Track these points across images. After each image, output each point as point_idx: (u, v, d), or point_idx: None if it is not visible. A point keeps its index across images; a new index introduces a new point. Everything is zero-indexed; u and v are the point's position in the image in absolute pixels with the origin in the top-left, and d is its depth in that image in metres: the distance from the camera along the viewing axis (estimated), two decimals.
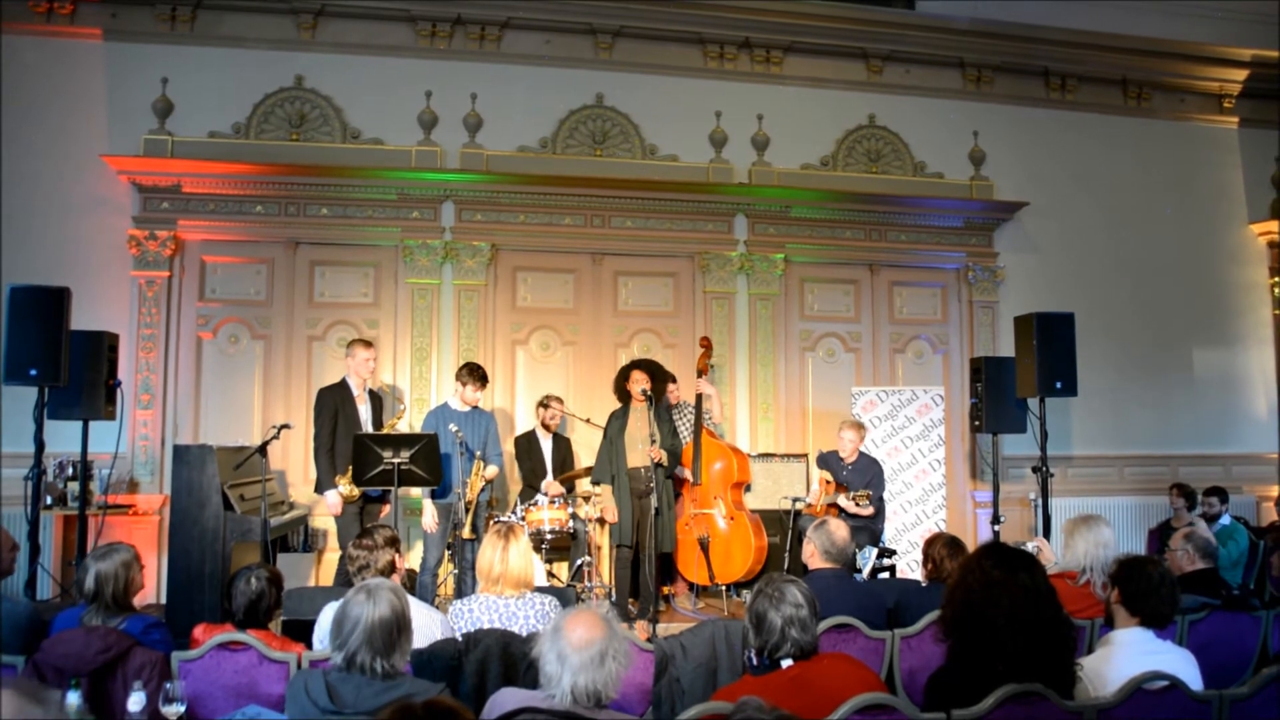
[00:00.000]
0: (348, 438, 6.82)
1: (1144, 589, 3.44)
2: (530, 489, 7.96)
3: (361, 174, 8.63)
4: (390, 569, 4.15)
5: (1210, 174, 11.00)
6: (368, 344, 7.35)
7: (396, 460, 6.34)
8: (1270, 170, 11.16)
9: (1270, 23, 11.06)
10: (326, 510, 7.17)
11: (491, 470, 7.23)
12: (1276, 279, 11.05)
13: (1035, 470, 8.23)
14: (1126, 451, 10.34)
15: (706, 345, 8.33)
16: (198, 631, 3.95)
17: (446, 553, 7.30)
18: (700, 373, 8.15)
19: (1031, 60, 10.34)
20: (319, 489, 7.03)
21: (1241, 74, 10.92)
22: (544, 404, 8.18)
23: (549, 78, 9.24)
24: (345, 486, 6.83)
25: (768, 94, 9.70)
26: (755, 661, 3.05)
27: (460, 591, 6.98)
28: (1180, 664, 3.35)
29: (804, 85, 9.84)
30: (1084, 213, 10.40)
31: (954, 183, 10.03)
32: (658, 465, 7.06)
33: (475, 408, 7.39)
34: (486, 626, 3.96)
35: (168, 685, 3.23)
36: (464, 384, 7.25)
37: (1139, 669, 3.11)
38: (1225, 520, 8.28)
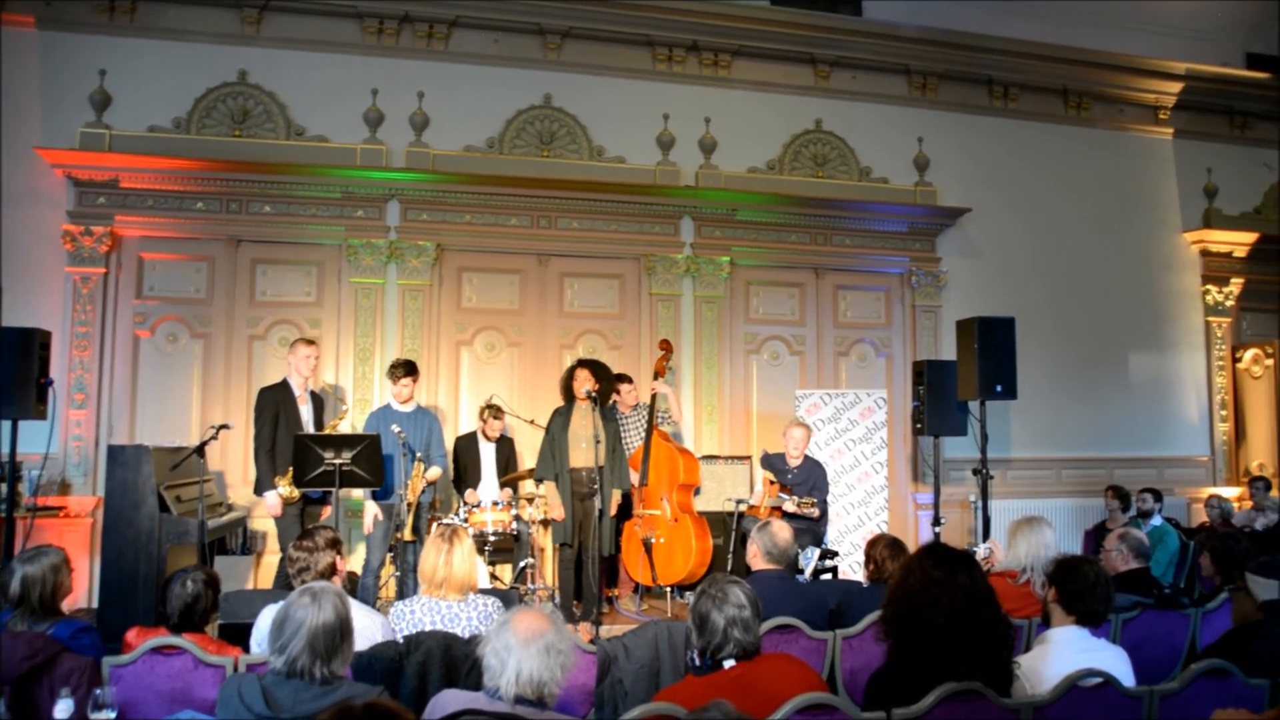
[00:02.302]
0: (288, 438, 6.70)
1: (1080, 588, 3.51)
2: (463, 489, 7.90)
3: (305, 171, 8.51)
4: (331, 571, 4.09)
5: (1146, 183, 11.24)
6: (310, 342, 7.24)
7: (338, 461, 6.25)
8: (1203, 180, 11.42)
9: (1203, 39, 11.35)
10: (266, 512, 7.04)
11: (434, 472, 7.15)
12: (1208, 286, 11.31)
13: (975, 472, 8.35)
14: (1064, 454, 10.52)
15: (667, 348, 8.25)
16: (130, 636, 3.86)
17: (388, 555, 7.22)
18: (657, 374, 8.14)
19: (976, 68, 10.49)
20: (258, 490, 6.91)
21: (1176, 87, 11.17)
22: (483, 416, 8.10)
23: (497, 77, 9.19)
24: (285, 488, 6.73)
25: (715, 97, 9.74)
26: (698, 662, 3.06)
27: (402, 594, 6.91)
28: (1114, 661, 3.42)
29: (751, 89, 9.89)
30: (1025, 219, 10.57)
31: (899, 188, 10.13)
32: (600, 468, 7.03)
33: (419, 408, 7.32)
34: (428, 629, 3.92)
35: (97, 692, 3.15)
36: (394, 381, 7.18)
37: (1074, 666, 3.16)
38: (1157, 521, 8.46)
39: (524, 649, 2.66)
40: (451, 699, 2.83)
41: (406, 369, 7.20)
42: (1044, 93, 10.86)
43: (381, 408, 7.37)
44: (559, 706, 2.78)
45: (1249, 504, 9.68)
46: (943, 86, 10.46)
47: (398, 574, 7.11)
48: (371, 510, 6.97)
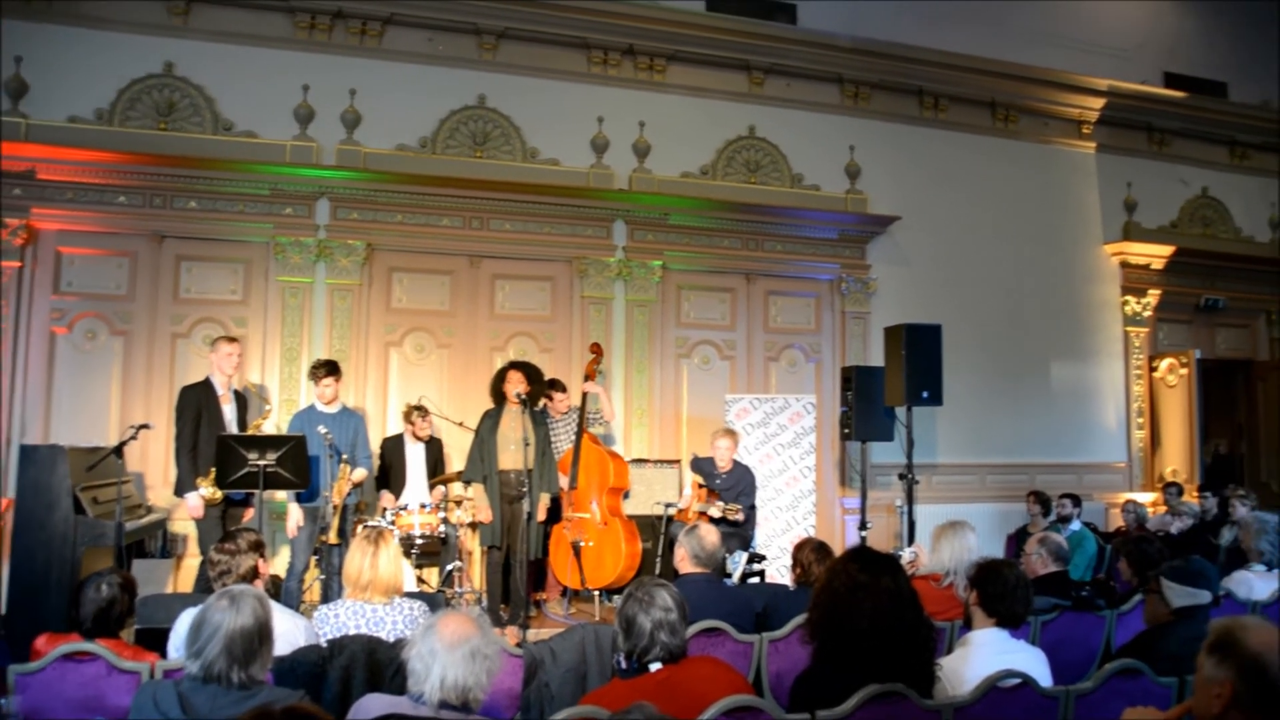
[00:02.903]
0: (211, 438, 6.55)
1: (1000, 591, 3.57)
2: (386, 491, 7.82)
3: (233, 167, 8.34)
4: (253, 575, 4.01)
5: (1069, 195, 11.50)
6: (232, 339, 7.06)
7: (262, 462, 6.14)
8: (1123, 194, 11.73)
9: (1125, 57, 11.67)
10: (187, 514, 6.87)
11: (359, 473, 7.05)
12: (1127, 297, 11.61)
13: (901, 477, 8.47)
14: (988, 460, 10.72)
15: (597, 351, 8.24)
16: (40, 642, 3.75)
17: (313, 558, 7.10)
18: (588, 377, 8.12)
19: (907, 79, 10.65)
20: (179, 491, 6.73)
21: (1099, 103, 11.46)
22: (408, 418, 8.02)
23: (431, 77, 9.11)
24: (207, 489, 6.57)
25: (650, 101, 9.76)
26: (624, 665, 3.06)
27: (326, 598, 6.79)
28: (1032, 662, 3.49)
29: (686, 94, 9.93)
30: (952, 228, 10.75)
31: (830, 195, 10.24)
32: (529, 470, 6.99)
33: (344, 408, 7.22)
34: (353, 633, 3.87)
35: (1, 701, 3.05)
36: (316, 381, 7.08)
37: (994, 668, 3.22)
38: (1076, 526, 8.64)
39: (449, 654, 2.64)
40: (375, 703, 2.81)
41: (328, 369, 7.09)
42: (973, 105, 11.06)
43: (305, 408, 7.26)
44: (485, 710, 2.76)
45: (1163, 509, 9.95)
46: (874, 96, 10.60)
47: (322, 577, 6.99)
48: (295, 513, 6.85)
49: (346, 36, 8.91)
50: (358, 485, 7.09)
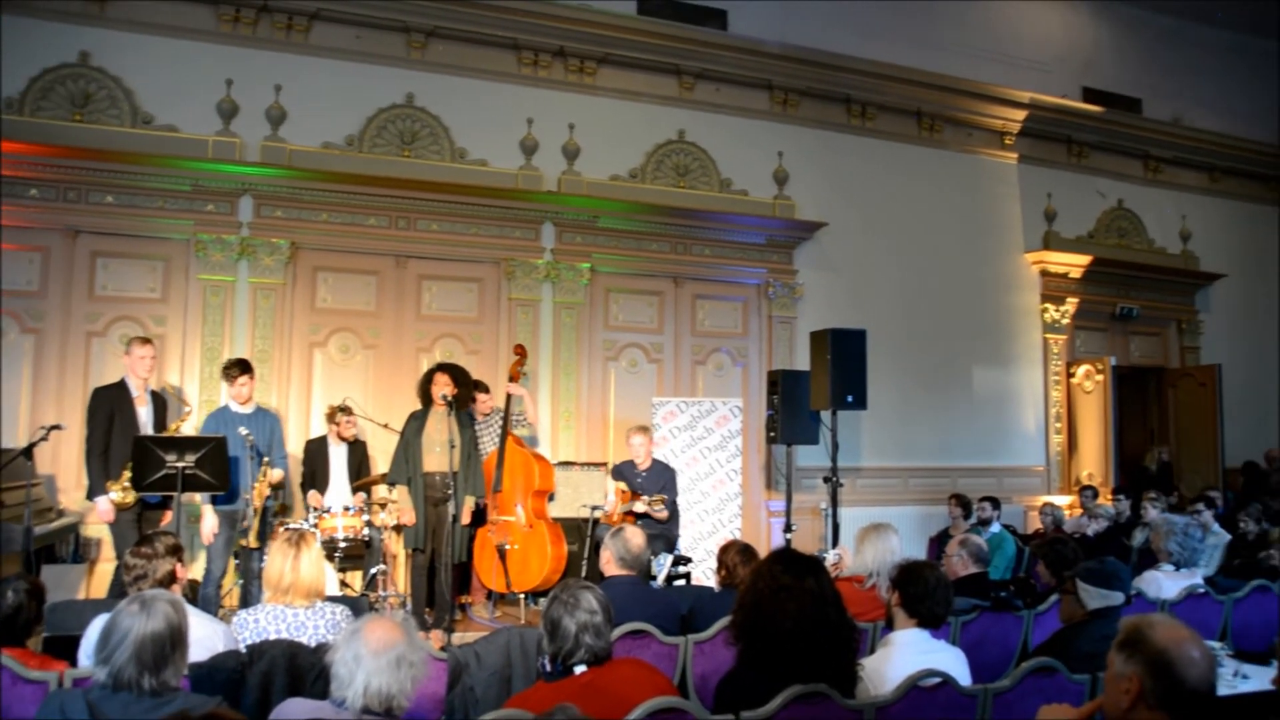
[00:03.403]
0: (124, 440, 6.37)
1: (921, 592, 3.63)
2: (315, 492, 7.70)
3: (152, 162, 8.12)
4: (170, 579, 3.92)
5: (992, 204, 11.74)
6: (146, 341, 6.85)
7: (181, 464, 6.00)
8: (1043, 204, 12.01)
9: (1045, 71, 11.96)
10: (98, 518, 6.69)
11: (276, 474, 6.88)
12: (1046, 305, 11.89)
13: (826, 480, 8.57)
14: (911, 464, 10.89)
15: (521, 353, 8.23)
16: None
17: (232, 562, 6.96)
18: (512, 379, 8.08)
19: (835, 87, 10.77)
20: (90, 495, 6.55)
21: (1021, 114, 11.72)
22: (332, 419, 7.90)
23: (358, 74, 8.99)
24: (118, 492, 6.38)
25: (580, 104, 9.74)
26: (549, 668, 3.05)
27: (246, 603, 6.66)
28: (952, 662, 3.56)
29: (616, 97, 9.93)
30: (878, 235, 10.91)
31: (758, 201, 10.32)
32: (454, 473, 6.92)
33: (259, 408, 7.07)
34: (273, 637, 3.80)
35: None
36: (230, 381, 6.90)
37: (915, 667, 3.27)
38: (995, 528, 8.81)
39: (374, 660, 2.61)
40: (296, 708, 2.77)
41: (242, 367, 6.93)
42: (899, 114, 11.23)
43: (219, 409, 7.07)
44: (408, 715, 2.74)
45: (1079, 511, 10.19)
46: (803, 103, 10.71)
47: (241, 582, 6.85)
48: (210, 519, 6.68)
49: (272, 31, 8.75)
50: (277, 486, 6.96)
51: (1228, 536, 8.16)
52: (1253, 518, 8.16)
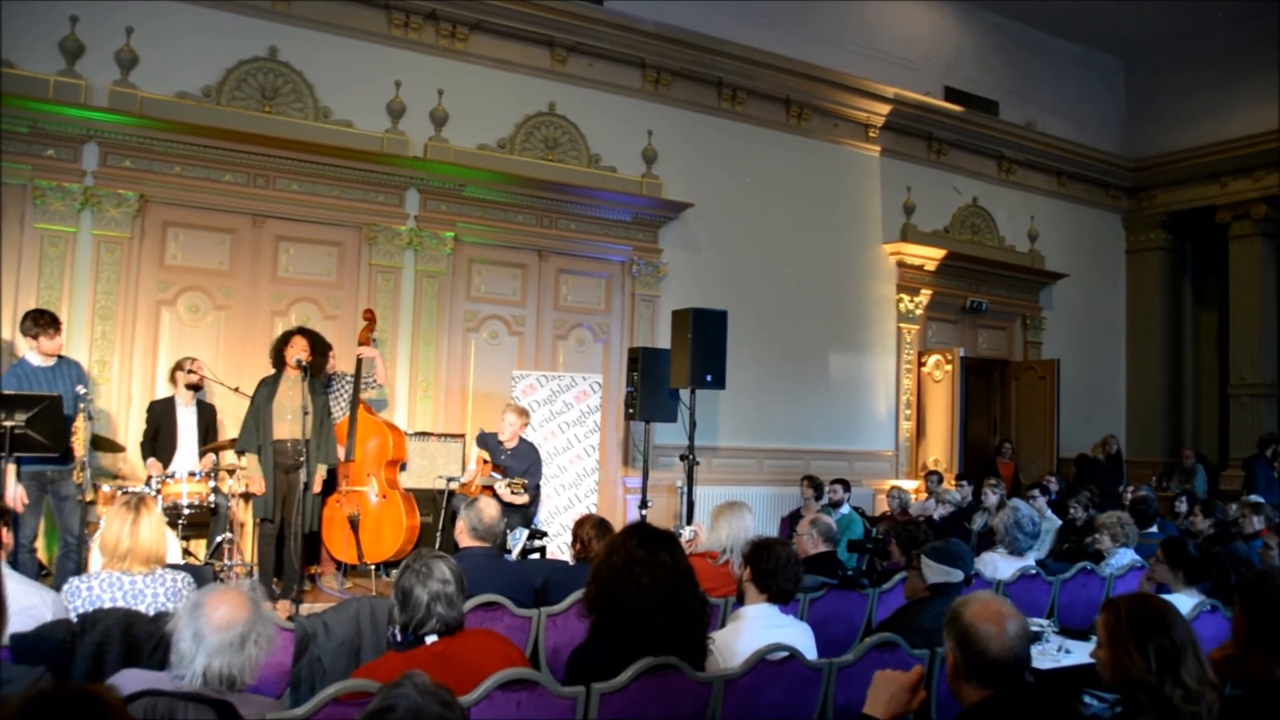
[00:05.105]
0: None
1: (771, 568, 3.71)
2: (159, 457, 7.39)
3: None
4: None
5: (854, 195, 12.03)
6: None
7: (10, 424, 5.66)
8: (903, 198, 12.37)
9: (910, 69, 12.29)
10: None
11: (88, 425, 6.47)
12: (901, 295, 12.26)
13: (683, 459, 8.67)
14: (766, 445, 11.10)
15: (370, 317, 8.10)
16: None
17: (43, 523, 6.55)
18: (361, 343, 7.93)
19: (707, 70, 10.85)
20: None
21: (885, 109, 12.02)
22: (173, 378, 7.57)
23: (219, 22, 8.60)
24: None
25: (451, 70, 9.57)
26: (399, 638, 3.01)
27: (63, 568, 6.31)
28: (800, 636, 3.67)
29: (488, 65, 9.79)
30: (743, 218, 11.05)
31: (626, 178, 10.33)
32: (306, 440, 6.75)
33: (61, 358, 6.55)
34: (108, 606, 3.63)
35: None
36: (49, 336, 6.37)
37: (764, 641, 3.34)
38: (845, 510, 9.08)
39: (216, 639, 2.54)
40: (131, 679, 2.64)
41: (54, 321, 6.45)
42: (769, 100, 11.39)
43: (17, 362, 6.53)
44: (252, 688, 2.67)
45: (925, 495, 10.57)
46: (675, 83, 10.76)
47: (73, 544, 6.48)
48: (11, 481, 6.09)
49: None
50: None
51: (1059, 522, 8.60)
52: (1081, 505, 8.59)
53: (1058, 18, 13.49)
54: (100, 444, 7.17)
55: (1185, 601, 4.49)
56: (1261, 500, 8.56)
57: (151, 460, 7.33)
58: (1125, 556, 6.08)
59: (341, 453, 7.50)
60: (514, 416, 7.68)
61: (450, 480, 7.71)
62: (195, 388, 7.61)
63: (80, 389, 6.28)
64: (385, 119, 9.22)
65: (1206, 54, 13.77)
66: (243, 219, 8.69)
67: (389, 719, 1.86)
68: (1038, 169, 13.91)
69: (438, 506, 7.84)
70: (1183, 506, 9.36)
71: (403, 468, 7.97)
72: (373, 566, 7.59)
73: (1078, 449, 13.30)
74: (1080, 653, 4.28)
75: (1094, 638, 2.65)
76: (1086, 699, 3.59)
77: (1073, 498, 8.89)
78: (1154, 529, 7.74)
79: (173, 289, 8.43)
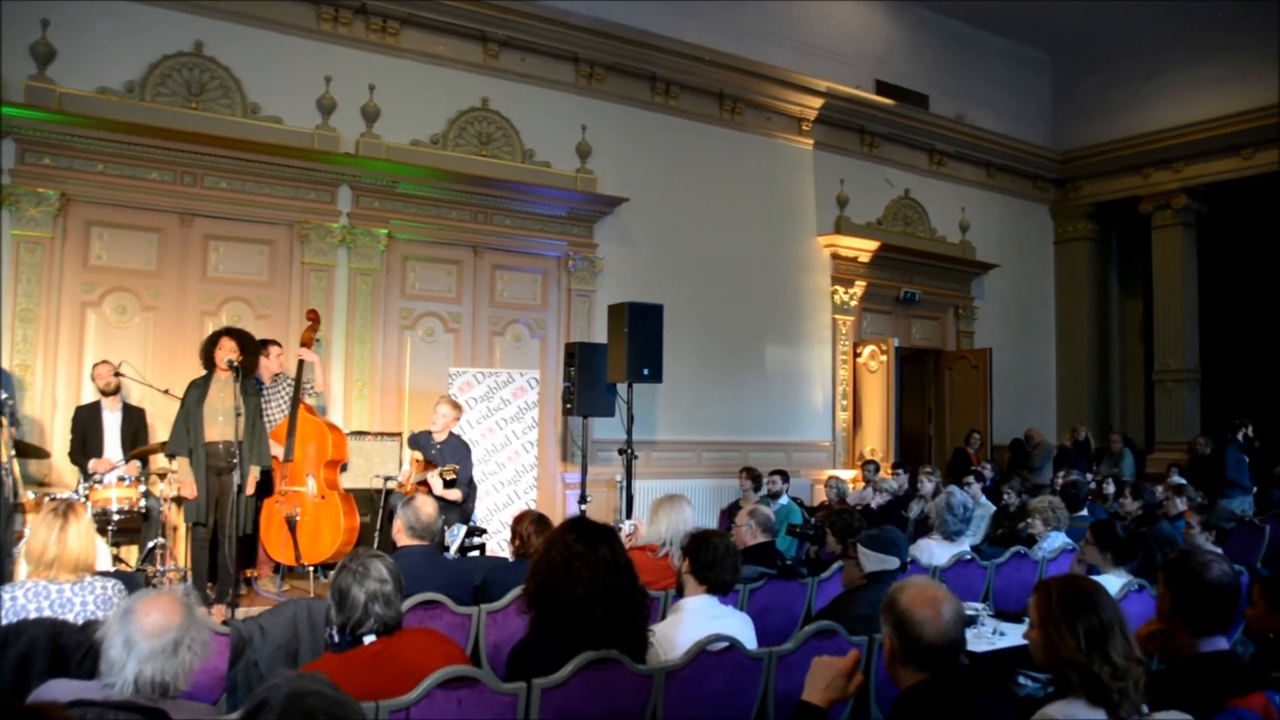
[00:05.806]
0: None
1: (710, 559, 3.73)
2: (81, 467, 7.24)
3: None
4: None
5: (788, 188, 12.12)
6: None
7: None
8: (836, 190, 12.48)
9: (842, 63, 12.42)
10: None
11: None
12: (836, 287, 12.38)
13: (621, 453, 8.68)
14: (705, 438, 11.15)
15: (314, 318, 7.98)
16: None
17: None
18: (304, 344, 7.82)
19: (641, 64, 10.85)
20: None
21: (817, 102, 12.13)
22: (94, 375, 7.43)
23: (142, 16, 8.41)
24: None
25: (382, 65, 9.46)
26: (337, 639, 2.97)
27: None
28: (740, 627, 3.68)
29: (420, 60, 9.70)
30: (678, 212, 11.08)
31: (560, 173, 10.31)
32: (239, 442, 6.64)
33: None
34: (34, 616, 3.54)
35: None
36: None
37: (704, 632, 3.35)
38: (784, 500, 9.13)
39: (148, 645, 2.48)
40: (59, 689, 2.58)
41: None
42: (702, 94, 11.42)
43: None
44: (187, 695, 2.61)
45: (862, 485, 10.68)
46: (609, 78, 10.74)
47: None
48: None
49: None
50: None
51: (993, 508, 8.74)
52: (1015, 491, 8.75)
53: (986, 13, 13.72)
54: (25, 450, 7.02)
55: (1114, 581, 4.60)
56: (1184, 482, 8.79)
57: (95, 461, 7.20)
58: (1057, 540, 6.20)
59: (280, 452, 7.39)
60: (447, 408, 7.61)
61: (388, 480, 7.64)
62: (107, 392, 7.46)
63: (2, 394, 6.12)
64: (316, 115, 9.09)
65: (1129, 50, 14.10)
66: (170, 218, 8.52)
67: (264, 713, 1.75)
68: (968, 161, 14.13)
69: (375, 506, 7.76)
70: (1110, 488, 9.57)
71: (343, 468, 7.87)
72: (311, 568, 7.49)
73: (1008, 436, 13.53)
74: (1014, 635, 4.35)
75: (1027, 620, 2.70)
76: (1020, 679, 3.67)
77: (1006, 484, 9.04)
78: (1084, 512, 7.90)
79: (98, 290, 8.24)
